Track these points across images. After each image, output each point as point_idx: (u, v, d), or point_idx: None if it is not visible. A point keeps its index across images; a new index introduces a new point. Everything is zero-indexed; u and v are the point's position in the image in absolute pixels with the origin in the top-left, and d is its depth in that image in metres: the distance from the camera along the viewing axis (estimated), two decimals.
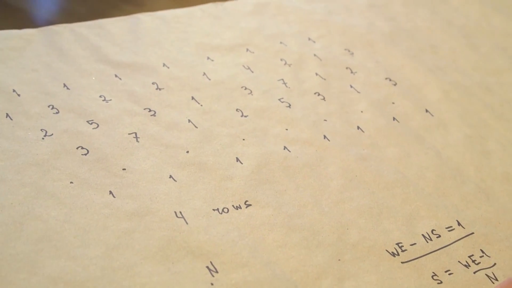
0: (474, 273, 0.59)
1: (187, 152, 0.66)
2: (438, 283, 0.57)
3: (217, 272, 0.55)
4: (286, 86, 0.79)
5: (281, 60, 0.84)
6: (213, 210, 0.61)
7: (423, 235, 0.61)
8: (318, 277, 0.56)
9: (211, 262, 0.55)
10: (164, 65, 0.79)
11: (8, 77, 0.72)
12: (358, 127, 0.74)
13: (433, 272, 0.58)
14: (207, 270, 0.55)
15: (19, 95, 0.70)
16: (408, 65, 0.86)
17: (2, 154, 0.62)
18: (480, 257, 0.60)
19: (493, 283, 0.58)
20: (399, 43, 0.91)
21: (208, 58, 0.82)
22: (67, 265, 0.53)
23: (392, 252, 0.59)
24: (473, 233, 0.63)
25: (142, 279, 0.53)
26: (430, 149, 0.72)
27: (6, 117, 0.67)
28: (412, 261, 0.59)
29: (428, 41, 0.92)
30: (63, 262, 0.53)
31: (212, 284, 0.54)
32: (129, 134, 0.67)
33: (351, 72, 0.84)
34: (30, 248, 0.54)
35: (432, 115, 0.78)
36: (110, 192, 0.60)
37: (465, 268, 0.59)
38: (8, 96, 0.70)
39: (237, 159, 0.66)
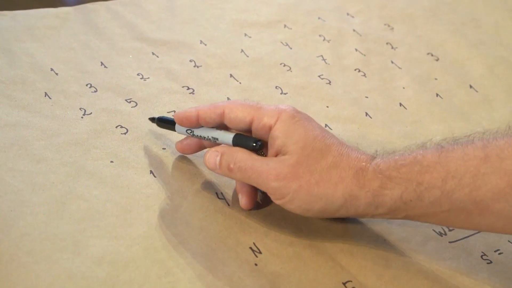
0: None
1: None
2: (487, 263, 0.55)
3: (260, 252, 0.54)
4: (326, 63, 0.78)
5: (320, 36, 0.82)
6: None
7: None
8: (364, 257, 0.55)
9: (254, 243, 0.55)
10: (201, 42, 0.78)
11: (46, 56, 0.72)
12: (401, 104, 0.73)
13: (482, 252, 0.56)
14: (250, 250, 0.54)
15: (57, 74, 0.70)
16: (450, 39, 0.84)
17: (42, 133, 0.62)
18: None
19: None
20: (440, 17, 0.88)
21: (245, 34, 0.80)
22: (110, 244, 0.53)
23: (439, 231, 0.58)
24: None
25: (185, 259, 0.53)
26: (475, 126, 0.70)
27: (45, 96, 0.67)
28: (460, 240, 0.57)
29: (470, 15, 0.89)
30: (106, 242, 0.53)
31: (256, 264, 0.53)
32: (168, 112, 0.67)
33: (392, 47, 0.82)
34: (73, 228, 0.54)
35: (477, 91, 0.76)
36: (151, 172, 0.60)
37: None
38: (46, 75, 0.69)
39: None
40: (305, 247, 0.55)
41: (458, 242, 0.57)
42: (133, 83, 0.70)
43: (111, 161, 0.60)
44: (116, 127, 0.64)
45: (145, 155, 0.61)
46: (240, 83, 0.72)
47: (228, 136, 0.56)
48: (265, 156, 0.55)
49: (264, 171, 0.52)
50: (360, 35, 0.83)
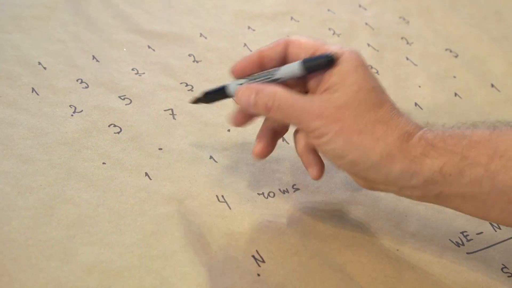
0: None
1: (228, 130, 0.66)
2: (508, 276, 0.56)
3: (263, 261, 0.55)
4: None
5: (329, 29, 0.83)
6: (258, 194, 0.61)
7: (490, 223, 0.61)
8: (374, 268, 0.56)
9: (257, 251, 0.56)
10: (201, 35, 0.79)
11: (33, 48, 0.73)
12: (416, 104, 0.74)
13: (502, 264, 0.57)
14: (253, 259, 0.55)
15: (45, 68, 0.71)
16: (470, 34, 0.85)
17: (29, 132, 0.63)
18: None
19: None
20: (460, 9, 0.89)
21: (248, 27, 0.81)
22: (102, 252, 0.54)
23: (456, 242, 0.59)
24: None
25: (182, 268, 0.53)
26: (501, 119, 0.71)
27: (32, 91, 0.67)
28: (479, 251, 0.58)
29: (492, 8, 0.90)
30: (97, 250, 0.54)
31: (258, 274, 0.54)
32: (165, 110, 0.68)
33: (407, 42, 0.83)
34: (62, 234, 0.54)
35: (499, 90, 0.77)
36: (146, 174, 0.61)
37: None
38: (33, 69, 0.70)
39: (283, 139, 0.66)
40: (311, 257, 0.55)
41: (477, 253, 0.58)
42: (127, 79, 0.71)
43: (103, 163, 0.61)
44: (109, 126, 0.65)
45: (139, 156, 0.62)
46: None
47: (293, 64, 0.55)
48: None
49: (307, 108, 0.52)
50: (373, 29, 0.84)
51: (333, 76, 0.53)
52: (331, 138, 0.52)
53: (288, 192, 0.61)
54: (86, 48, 0.74)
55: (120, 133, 0.64)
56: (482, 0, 0.92)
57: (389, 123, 0.52)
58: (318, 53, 0.54)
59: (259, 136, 0.59)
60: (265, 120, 0.59)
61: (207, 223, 0.57)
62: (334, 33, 0.82)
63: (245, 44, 0.78)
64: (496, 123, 0.52)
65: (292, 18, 0.84)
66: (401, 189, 0.53)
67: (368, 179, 0.54)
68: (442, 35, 0.85)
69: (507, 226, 0.55)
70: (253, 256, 0.55)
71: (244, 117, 0.59)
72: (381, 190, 0.55)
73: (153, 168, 0.61)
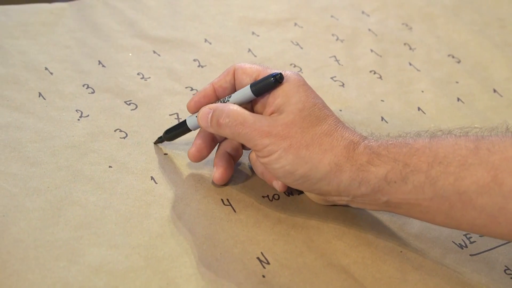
0: None
1: None
2: (511, 278, 0.57)
3: (268, 263, 0.56)
4: (339, 64, 0.80)
5: (333, 35, 0.84)
6: (263, 197, 0.61)
7: None
8: (378, 269, 0.56)
9: (262, 253, 0.56)
10: (205, 40, 0.80)
11: (40, 54, 0.74)
12: (419, 108, 0.74)
13: (505, 266, 0.58)
14: (257, 261, 0.56)
15: (51, 73, 0.72)
16: (472, 40, 0.86)
17: (36, 135, 0.64)
18: None
19: None
20: (462, 16, 0.90)
21: (253, 33, 0.82)
22: (109, 253, 0.54)
23: (459, 243, 0.59)
24: None
25: (188, 269, 0.54)
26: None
27: (39, 96, 0.68)
28: (482, 253, 0.59)
29: (495, 14, 0.91)
30: (104, 251, 0.54)
31: (263, 276, 0.55)
32: (170, 115, 0.69)
33: (410, 48, 0.84)
34: (69, 235, 0.55)
35: (501, 95, 0.78)
36: (152, 178, 0.62)
37: None
38: (40, 74, 0.71)
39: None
40: (316, 258, 0.56)
41: (480, 255, 0.58)
42: (133, 84, 0.72)
43: (110, 166, 0.62)
44: (115, 130, 0.66)
45: (145, 160, 0.63)
46: None
47: (244, 89, 0.58)
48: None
49: (256, 127, 0.55)
50: (376, 35, 0.85)
51: (277, 98, 0.56)
52: (281, 155, 0.55)
53: (293, 195, 0.62)
54: (92, 53, 0.75)
55: (126, 138, 0.65)
56: (485, 6, 0.93)
57: (334, 134, 0.55)
58: (262, 76, 0.58)
59: (216, 163, 0.61)
60: (219, 145, 0.63)
61: (212, 226, 0.58)
62: (337, 39, 0.83)
63: (249, 50, 0.79)
64: (438, 132, 0.56)
65: (296, 24, 0.85)
66: (354, 198, 0.56)
67: (321, 192, 0.57)
68: (444, 41, 0.85)
69: (453, 229, 0.57)
70: (258, 258, 0.56)
71: (202, 150, 0.61)
72: (336, 203, 0.59)
73: (158, 172, 0.62)
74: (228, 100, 0.59)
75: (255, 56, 0.78)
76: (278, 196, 0.61)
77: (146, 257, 0.55)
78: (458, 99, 0.77)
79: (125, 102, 0.69)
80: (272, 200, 0.61)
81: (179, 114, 0.69)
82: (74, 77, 0.72)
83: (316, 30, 0.84)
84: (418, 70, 0.80)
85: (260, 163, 0.59)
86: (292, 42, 0.82)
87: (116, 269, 0.53)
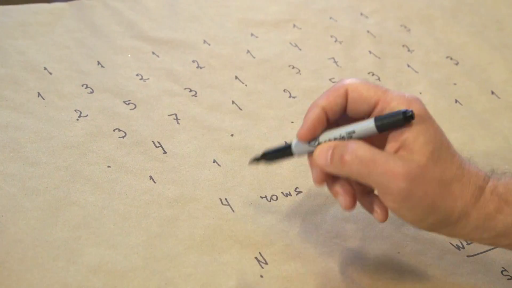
0: None
1: (232, 135, 0.67)
2: (508, 279, 0.57)
3: (266, 263, 0.56)
4: (337, 65, 0.80)
5: (331, 36, 0.84)
6: (261, 197, 0.62)
7: None
8: (376, 270, 0.56)
9: (260, 253, 0.56)
10: (204, 41, 0.80)
11: (39, 54, 0.74)
12: None
13: (502, 267, 0.58)
14: (255, 261, 0.56)
15: (50, 73, 0.72)
16: (471, 42, 0.86)
17: (35, 135, 0.64)
18: None
19: None
20: (461, 18, 0.90)
21: (252, 34, 0.83)
22: (107, 253, 0.54)
23: (456, 245, 0.59)
24: None
25: (186, 269, 0.54)
26: (496, 134, 0.72)
27: (38, 96, 0.69)
28: (479, 255, 0.59)
29: (493, 16, 0.91)
30: (102, 251, 0.55)
31: (261, 276, 0.55)
32: (169, 115, 0.69)
33: (408, 50, 0.84)
34: (68, 235, 0.55)
35: (499, 97, 0.78)
36: (151, 177, 0.62)
37: None
38: (39, 74, 0.71)
39: (286, 143, 0.67)
40: (314, 258, 0.56)
41: (477, 256, 0.59)
42: (131, 84, 0.72)
43: (108, 166, 0.62)
44: (114, 130, 0.66)
45: (144, 160, 0.63)
46: (245, 85, 0.74)
47: (367, 123, 0.50)
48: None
49: (390, 167, 0.48)
50: (375, 37, 0.85)
51: (405, 134, 0.49)
52: (416, 203, 0.49)
53: (291, 195, 0.62)
54: (91, 54, 0.75)
55: (124, 138, 0.65)
56: (483, 9, 0.93)
57: (463, 179, 0.50)
58: (382, 103, 0.50)
59: (339, 191, 0.52)
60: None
61: (211, 226, 0.58)
62: (336, 41, 0.83)
63: (248, 51, 0.79)
64: None
65: (294, 25, 0.85)
66: (472, 240, 0.52)
67: (442, 234, 0.52)
68: (443, 43, 0.86)
69: None
70: (256, 258, 0.56)
71: (324, 176, 0.53)
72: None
73: (157, 172, 0.62)
74: (352, 133, 0.50)
75: (254, 57, 0.78)
76: (277, 196, 0.62)
77: (144, 257, 0.55)
78: (456, 101, 0.77)
79: (124, 102, 0.70)
80: (270, 201, 0.61)
81: (177, 114, 0.69)
82: (73, 77, 0.72)
83: (315, 31, 0.85)
84: (416, 71, 0.80)
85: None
86: (290, 43, 0.82)
87: (115, 269, 0.53)
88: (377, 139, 0.51)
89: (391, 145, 0.50)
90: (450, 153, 0.50)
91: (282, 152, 0.55)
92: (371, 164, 0.48)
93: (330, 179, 0.52)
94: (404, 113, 0.48)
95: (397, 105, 0.49)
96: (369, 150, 0.48)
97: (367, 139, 0.50)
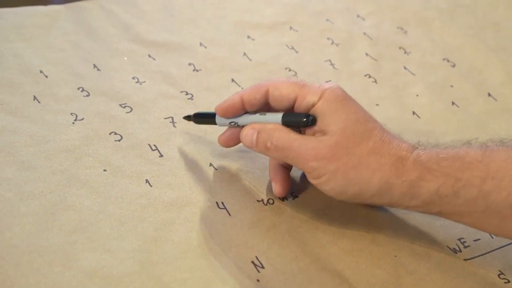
0: None
1: None
2: (505, 283, 0.57)
3: (263, 267, 0.56)
4: (334, 68, 0.80)
5: (328, 39, 0.84)
6: (258, 201, 0.61)
7: None
8: (373, 274, 0.56)
9: (256, 257, 0.56)
10: (201, 44, 0.80)
11: (34, 57, 0.74)
12: (414, 112, 0.75)
13: (499, 271, 0.58)
14: (252, 265, 0.56)
15: (46, 76, 0.72)
16: (467, 44, 0.86)
17: (31, 139, 0.63)
18: None
19: None
20: (457, 20, 0.90)
21: (248, 37, 0.82)
22: (103, 258, 0.54)
23: (453, 248, 0.59)
24: None
25: (183, 274, 0.54)
26: (493, 137, 0.72)
27: (34, 99, 0.68)
28: (476, 258, 0.59)
29: (490, 18, 0.91)
30: (98, 255, 0.54)
31: (258, 280, 0.55)
32: (165, 118, 0.68)
33: (405, 52, 0.84)
34: (64, 240, 0.55)
35: (495, 100, 0.78)
36: (147, 181, 0.61)
37: None
38: (35, 77, 0.71)
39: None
40: (310, 262, 0.56)
41: (474, 259, 0.59)
42: (128, 87, 0.72)
43: (104, 170, 0.62)
44: (110, 133, 0.66)
45: (140, 163, 0.63)
46: (242, 88, 0.74)
47: (276, 116, 0.58)
48: (303, 133, 0.58)
49: (302, 150, 0.55)
50: (371, 39, 0.85)
51: (317, 119, 0.56)
52: (329, 178, 0.55)
53: (287, 199, 0.62)
54: (87, 57, 0.75)
55: (121, 141, 0.65)
56: (480, 10, 0.93)
57: (381, 151, 0.55)
58: (300, 99, 0.56)
59: (273, 178, 0.61)
60: (270, 158, 0.62)
61: (207, 230, 0.58)
62: (332, 43, 0.83)
63: (244, 54, 0.79)
64: (488, 142, 0.55)
65: (291, 28, 0.85)
66: (406, 207, 0.56)
67: (374, 204, 0.58)
68: (439, 45, 0.85)
69: (504, 237, 0.57)
70: (252, 262, 0.56)
71: (232, 140, 0.62)
72: (389, 206, 0.59)
73: (153, 175, 0.62)
74: (263, 115, 0.59)
75: (250, 60, 0.78)
76: (273, 200, 0.61)
77: (140, 262, 0.55)
78: (453, 103, 0.77)
79: (120, 105, 0.69)
80: (266, 204, 0.61)
81: (174, 118, 0.68)
82: (69, 80, 0.72)
83: (311, 34, 0.84)
84: (413, 74, 0.80)
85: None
86: (287, 46, 0.82)
87: (111, 273, 0.53)
88: None
89: (309, 130, 0.57)
90: (367, 128, 0.55)
91: (209, 119, 0.63)
92: (287, 150, 0.56)
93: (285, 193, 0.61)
94: (307, 117, 0.56)
95: (311, 98, 0.56)
96: (287, 138, 0.56)
97: None
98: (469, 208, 0.53)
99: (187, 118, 0.65)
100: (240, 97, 0.59)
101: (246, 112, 0.60)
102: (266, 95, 0.58)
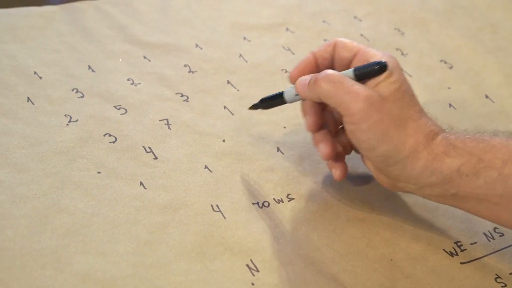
0: None
1: (223, 140, 0.67)
2: (502, 286, 0.56)
3: (258, 271, 0.55)
4: None
5: (325, 40, 0.84)
6: (253, 203, 0.61)
7: (484, 233, 0.61)
8: (368, 278, 0.56)
9: (251, 260, 0.56)
10: (196, 46, 0.79)
11: (29, 58, 0.73)
12: None
13: (496, 274, 0.57)
14: (247, 268, 0.55)
15: (40, 77, 0.71)
16: (465, 45, 0.86)
17: (24, 141, 0.63)
18: None
19: None
20: (455, 21, 0.90)
21: (244, 38, 0.82)
22: (96, 261, 0.54)
23: (450, 251, 0.59)
24: None
25: (177, 277, 0.54)
26: None
27: (28, 101, 0.68)
28: (473, 261, 0.58)
29: (487, 19, 0.91)
30: (91, 258, 0.54)
31: (252, 284, 0.54)
32: (160, 120, 0.68)
33: (402, 53, 0.84)
34: (56, 243, 0.55)
35: (493, 101, 0.78)
36: (141, 183, 0.61)
37: None
38: (29, 78, 0.71)
39: (278, 149, 0.67)
40: (306, 266, 0.56)
41: (471, 263, 0.58)
42: (122, 89, 0.71)
43: (98, 172, 0.61)
44: (104, 135, 0.65)
45: (134, 165, 0.63)
46: (238, 90, 0.74)
47: (347, 72, 0.58)
48: None
49: (354, 90, 0.55)
50: (368, 40, 0.85)
51: (376, 79, 0.56)
52: (370, 126, 0.55)
53: (283, 202, 0.61)
54: (82, 58, 0.75)
55: (115, 143, 0.65)
56: (477, 12, 0.92)
57: (419, 121, 0.56)
58: (360, 54, 0.59)
59: (305, 111, 0.61)
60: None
61: (202, 232, 0.57)
62: None
63: (240, 55, 0.79)
64: None
65: (287, 29, 0.84)
66: (421, 188, 0.56)
67: (391, 175, 0.57)
68: (437, 46, 0.85)
69: None
70: (247, 265, 0.55)
71: (315, 121, 0.61)
72: (401, 190, 0.59)
73: (148, 178, 0.62)
74: None
75: (246, 61, 0.78)
76: (268, 203, 0.61)
77: (134, 265, 0.54)
78: (450, 105, 0.76)
79: (114, 106, 0.69)
80: (262, 207, 0.61)
81: (169, 119, 0.68)
82: (63, 81, 0.71)
83: (308, 35, 0.84)
84: (410, 75, 0.80)
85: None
86: (283, 47, 0.81)
87: (104, 277, 0.53)
88: None
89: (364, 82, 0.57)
90: (413, 100, 0.58)
91: (277, 98, 0.63)
92: (339, 84, 0.56)
93: (316, 128, 0.61)
94: (379, 63, 0.56)
95: (372, 56, 0.58)
96: (339, 75, 0.57)
97: None
98: (487, 190, 0.53)
99: (254, 107, 0.65)
100: (312, 54, 0.62)
101: None
102: (335, 48, 0.61)
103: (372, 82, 0.56)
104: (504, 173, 0.52)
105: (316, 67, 0.61)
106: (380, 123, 0.55)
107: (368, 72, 0.57)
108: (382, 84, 0.56)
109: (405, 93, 0.57)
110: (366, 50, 0.59)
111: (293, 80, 0.61)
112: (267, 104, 0.64)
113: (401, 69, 0.58)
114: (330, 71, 0.57)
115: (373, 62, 0.57)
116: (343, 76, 0.56)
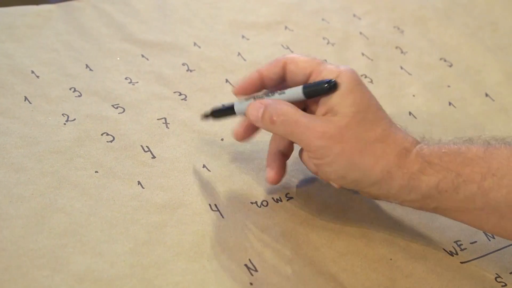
0: None
1: (222, 139, 0.67)
2: (502, 286, 0.56)
3: (256, 270, 0.55)
4: None
5: (324, 38, 0.83)
6: (251, 203, 0.61)
7: (484, 232, 0.61)
8: (368, 277, 0.56)
9: (249, 260, 0.56)
10: (195, 44, 0.79)
11: (26, 57, 0.73)
12: (410, 113, 0.74)
13: (496, 274, 0.57)
14: (245, 268, 0.55)
15: (38, 76, 0.71)
16: (465, 44, 0.86)
17: (21, 141, 0.63)
18: None
19: None
20: (454, 19, 0.90)
21: (242, 36, 0.82)
22: (94, 261, 0.54)
23: (450, 251, 0.59)
24: None
25: (174, 277, 0.53)
26: (495, 135, 0.71)
27: (25, 100, 0.67)
28: (473, 261, 0.58)
29: (487, 18, 0.91)
30: (89, 259, 0.54)
31: (251, 283, 0.54)
32: (158, 119, 0.68)
33: (401, 52, 0.83)
34: (53, 243, 0.54)
35: (493, 100, 0.77)
36: (139, 183, 0.61)
37: None
38: (26, 77, 0.70)
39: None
40: (305, 265, 0.56)
41: (471, 262, 0.58)
42: (120, 88, 0.71)
43: (96, 171, 0.61)
44: (102, 134, 0.65)
45: (132, 165, 0.62)
46: None
47: (296, 90, 0.56)
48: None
49: (310, 127, 0.54)
50: (367, 38, 0.84)
51: (331, 98, 0.55)
52: (333, 160, 0.54)
53: (281, 201, 0.61)
54: (79, 57, 0.74)
55: (113, 142, 0.64)
56: (477, 10, 0.92)
57: (387, 141, 0.54)
58: (315, 74, 0.56)
59: (269, 163, 0.60)
60: (271, 143, 0.61)
61: (200, 232, 0.57)
62: (328, 43, 0.83)
63: (239, 53, 0.78)
64: (491, 139, 0.55)
65: (286, 27, 0.84)
66: (402, 202, 0.56)
67: (370, 195, 0.56)
68: (436, 44, 0.85)
69: (502, 237, 0.56)
70: (245, 265, 0.55)
71: (246, 132, 0.61)
72: (385, 200, 0.58)
73: (145, 177, 0.61)
74: (282, 93, 0.57)
75: (245, 60, 0.78)
76: (267, 202, 0.61)
77: (131, 265, 0.54)
78: (450, 103, 0.76)
79: (112, 105, 0.69)
80: (260, 207, 0.60)
81: (167, 118, 0.68)
82: (60, 80, 0.71)
83: (307, 33, 0.84)
84: (409, 74, 0.80)
85: (274, 146, 0.60)
86: (282, 45, 0.81)
87: (101, 277, 0.53)
88: (311, 105, 0.57)
89: (319, 109, 0.56)
90: (377, 116, 0.55)
91: (227, 111, 0.61)
92: (294, 124, 0.55)
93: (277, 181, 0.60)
94: (328, 82, 0.54)
95: (327, 75, 0.55)
96: (294, 112, 0.55)
97: (303, 104, 0.57)
98: (468, 204, 0.52)
99: (205, 117, 0.63)
100: (259, 72, 0.59)
101: (265, 94, 0.59)
102: (284, 69, 0.58)
103: (329, 102, 0.54)
104: (483, 187, 0.52)
105: (261, 86, 0.59)
106: (343, 154, 0.53)
107: (317, 90, 0.55)
108: (340, 106, 0.54)
109: (367, 113, 0.54)
110: (321, 68, 0.56)
111: (236, 95, 0.60)
112: (218, 115, 0.62)
113: (361, 84, 0.56)
114: (284, 108, 0.55)
115: (322, 81, 0.55)
116: (296, 112, 0.55)
